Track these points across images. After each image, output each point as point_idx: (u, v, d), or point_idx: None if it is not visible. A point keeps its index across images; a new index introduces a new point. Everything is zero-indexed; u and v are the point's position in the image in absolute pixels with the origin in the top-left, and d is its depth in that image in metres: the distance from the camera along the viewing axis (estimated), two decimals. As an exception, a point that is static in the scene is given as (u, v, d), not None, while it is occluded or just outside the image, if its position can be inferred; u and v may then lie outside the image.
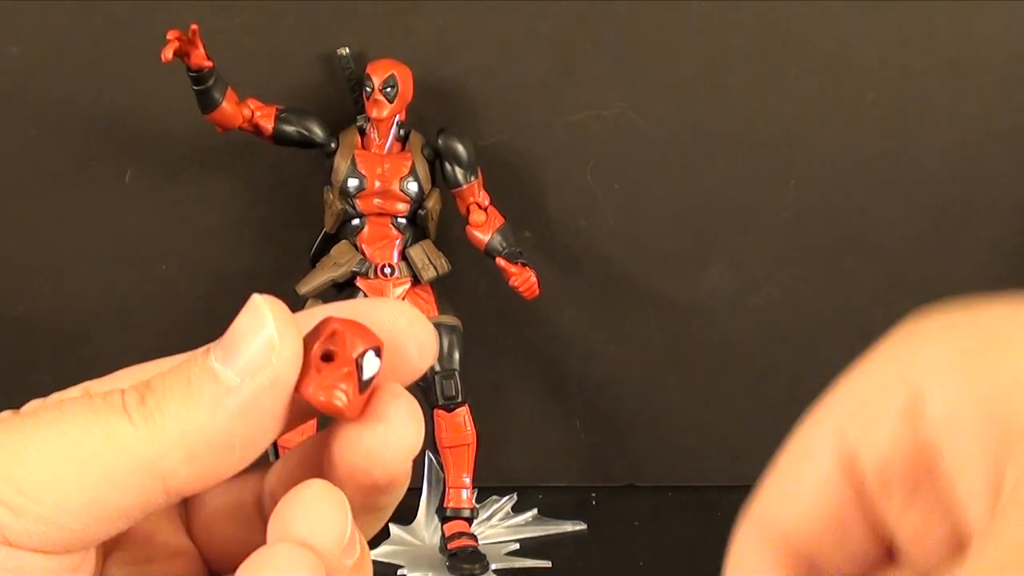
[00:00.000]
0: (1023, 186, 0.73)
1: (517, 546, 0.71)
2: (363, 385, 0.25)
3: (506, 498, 0.75)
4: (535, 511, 0.74)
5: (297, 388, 0.24)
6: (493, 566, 0.68)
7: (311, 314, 0.25)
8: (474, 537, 0.68)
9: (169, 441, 0.23)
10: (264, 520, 0.26)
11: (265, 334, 0.24)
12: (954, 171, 0.72)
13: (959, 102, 0.71)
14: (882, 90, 0.71)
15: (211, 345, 0.24)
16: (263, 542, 0.24)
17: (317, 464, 0.26)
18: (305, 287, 0.65)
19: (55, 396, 0.27)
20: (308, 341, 0.24)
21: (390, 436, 0.25)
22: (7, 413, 0.27)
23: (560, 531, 0.73)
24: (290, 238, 0.70)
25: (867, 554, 0.25)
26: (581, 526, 0.73)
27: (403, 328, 0.26)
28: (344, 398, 0.24)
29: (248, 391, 0.24)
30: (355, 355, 0.24)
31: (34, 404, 0.27)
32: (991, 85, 0.71)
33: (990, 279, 0.74)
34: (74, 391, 0.28)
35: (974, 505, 0.22)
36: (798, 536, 0.25)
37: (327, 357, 0.25)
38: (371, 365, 0.25)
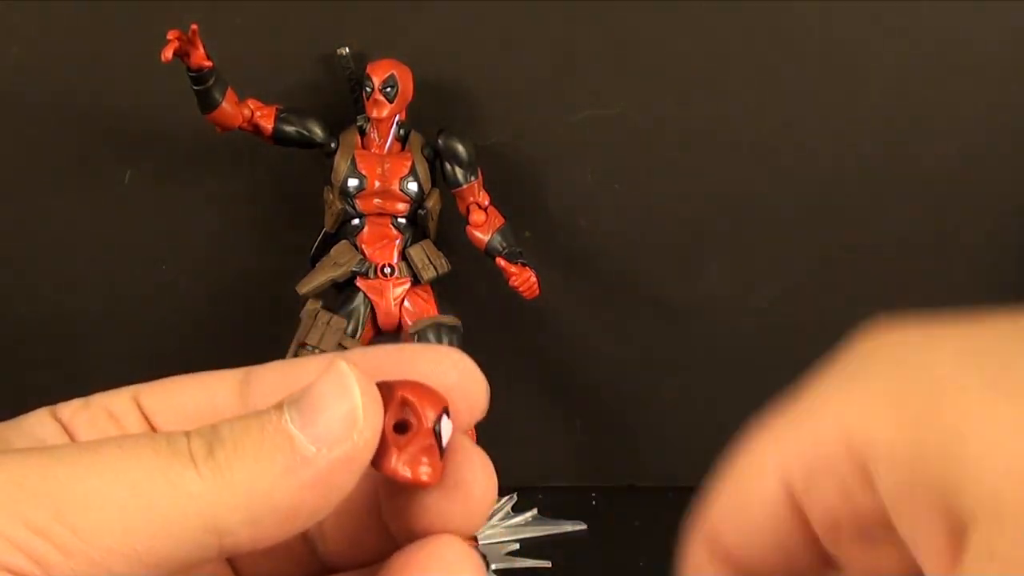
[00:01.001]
0: (1023, 186, 0.73)
1: (517, 546, 0.71)
2: (442, 452, 0.24)
3: (506, 498, 0.75)
4: (535, 511, 0.74)
5: (374, 462, 0.23)
6: (493, 566, 0.68)
7: (366, 364, 0.24)
8: (474, 537, 0.69)
9: (234, 500, 0.22)
10: (305, 554, 0.26)
11: (349, 407, 0.23)
12: (954, 171, 0.72)
13: (960, 102, 0.71)
14: (882, 90, 0.71)
15: (285, 401, 0.23)
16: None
17: (367, 508, 0.25)
18: (305, 287, 0.65)
19: (100, 401, 0.26)
20: None
21: (471, 503, 0.24)
22: (56, 430, 0.26)
23: (560, 531, 0.73)
24: (290, 238, 0.70)
25: (812, 569, 0.24)
26: (581, 526, 0.73)
27: (453, 382, 0.25)
28: (429, 471, 0.24)
29: (324, 464, 0.23)
30: (431, 424, 0.24)
31: (75, 405, 0.26)
32: (992, 85, 0.71)
33: (990, 279, 0.74)
34: (101, 400, 0.27)
35: (930, 564, 0.22)
36: (743, 554, 0.25)
37: (400, 427, 0.24)
38: (446, 430, 0.24)
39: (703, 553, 0.26)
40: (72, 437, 0.26)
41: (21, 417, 0.26)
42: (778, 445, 0.24)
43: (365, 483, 0.24)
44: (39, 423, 0.26)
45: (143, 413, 0.26)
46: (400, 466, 0.23)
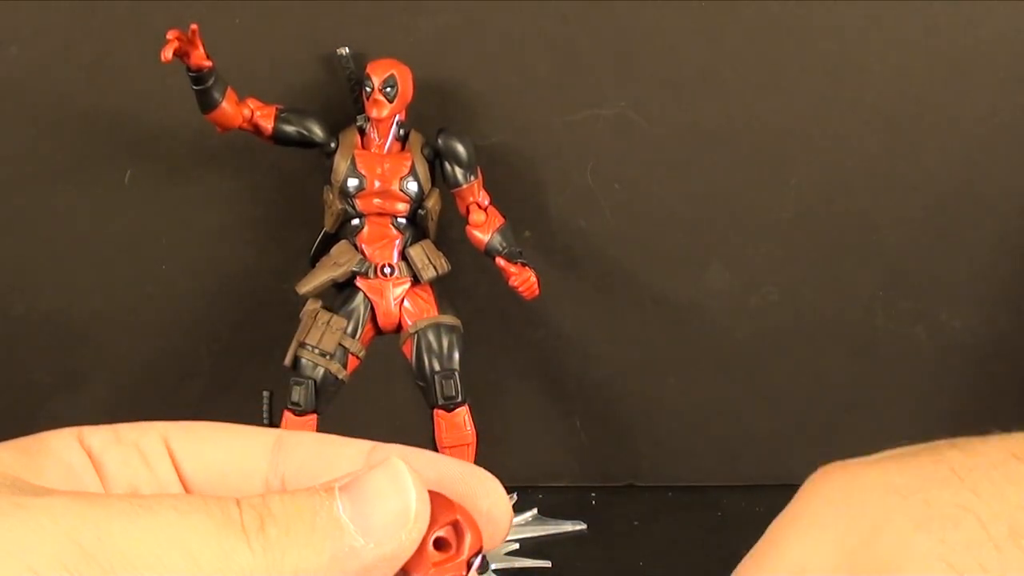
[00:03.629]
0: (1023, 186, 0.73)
1: (517, 546, 0.71)
2: None
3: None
4: (535, 511, 0.74)
5: (405, 565, 0.24)
6: (493, 566, 0.68)
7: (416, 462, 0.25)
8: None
9: None
10: None
11: (403, 505, 0.24)
12: (955, 171, 0.72)
13: (960, 102, 0.71)
14: (883, 90, 0.71)
15: (338, 487, 0.24)
16: None
17: None
18: (305, 287, 0.65)
19: (130, 435, 0.26)
20: None
21: None
22: (84, 460, 0.26)
23: (560, 531, 0.73)
24: (290, 238, 0.70)
25: None
26: (581, 526, 0.73)
27: (482, 510, 0.26)
28: None
29: (372, 557, 0.23)
30: (468, 555, 0.25)
31: (105, 436, 0.26)
32: (992, 85, 0.71)
33: (990, 279, 0.74)
34: (131, 435, 0.27)
35: None
36: None
37: (440, 543, 0.25)
38: (476, 569, 0.25)
39: None
40: (99, 470, 0.26)
41: (45, 435, 0.26)
42: None
43: None
44: (66, 447, 0.26)
45: (172, 459, 0.27)
46: None
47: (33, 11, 0.64)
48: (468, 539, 0.25)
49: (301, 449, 0.27)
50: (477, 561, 0.25)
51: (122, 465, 0.26)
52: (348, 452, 0.27)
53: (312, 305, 0.65)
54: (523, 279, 0.68)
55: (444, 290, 0.68)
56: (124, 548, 0.21)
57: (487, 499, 0.26)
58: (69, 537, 0.21)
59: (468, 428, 0.66)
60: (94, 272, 0.71)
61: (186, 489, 0.27)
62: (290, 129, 0.65)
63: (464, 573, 0.25)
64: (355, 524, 0.23)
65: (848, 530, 0.27)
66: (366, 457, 0.27)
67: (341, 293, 0.66)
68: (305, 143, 0.65)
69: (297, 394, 0.64)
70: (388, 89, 0.64)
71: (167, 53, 0.57)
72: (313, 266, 0.67)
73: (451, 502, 0.25)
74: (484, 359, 0.71)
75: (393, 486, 0.24)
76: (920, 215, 0.73)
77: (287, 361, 0.65)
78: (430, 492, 0.24)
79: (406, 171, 0.65)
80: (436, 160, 0.66)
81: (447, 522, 0.25)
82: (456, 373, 0.66)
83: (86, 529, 0.21)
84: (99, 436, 0.26)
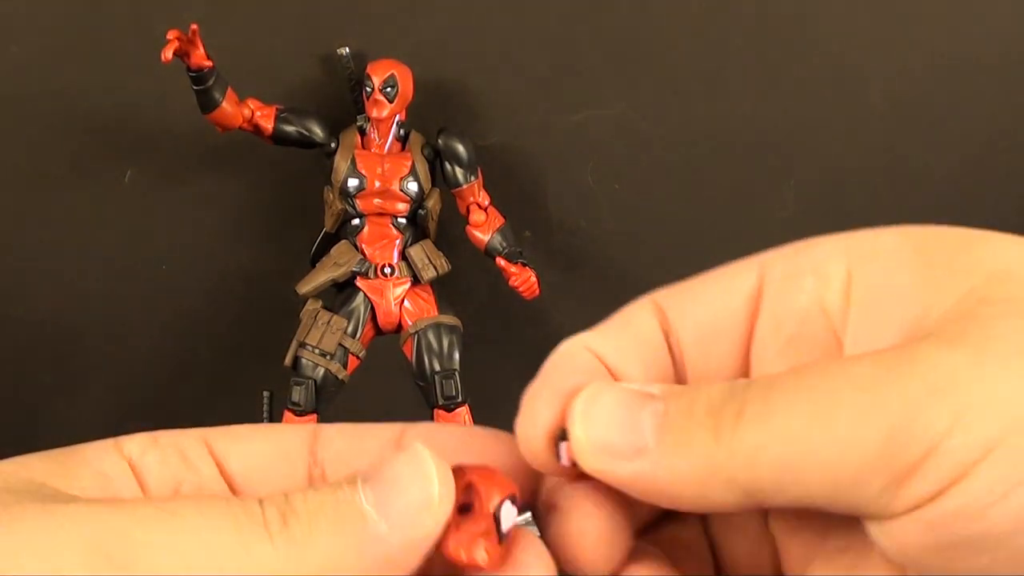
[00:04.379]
0: (1023, 187, 0.73)
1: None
2: (502, 537, 0.24)
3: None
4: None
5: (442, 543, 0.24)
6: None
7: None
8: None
9: (305, 572, 0.22)
10: None
11: (426, 491, 0.23)
12: (954, 171, 0.72)
13: (960, 102, 0.71)
14: (883, 91, 0.71)
15: (360, 477, 0.24)
16: None
17: None
18: (305, 287, 0.65)
19: (169, 439, 0.26)
20: None
21: None
22: (122, 468, 0.26)
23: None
24: (290, 238, 0.70)
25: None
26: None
27: (512, 465, 0.26)
28: (485, 556, 0.24)
29: (397, 544, 0.23)
30: (493, 509, 0.24)
31: (143, 441, 0.26)
32: (992, 86, 0.71)
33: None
34: (170, 439, 0.27)
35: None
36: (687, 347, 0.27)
37: (464, 509, 0.24)
38: (508, 516, 0.25)
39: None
40: (139, 477, 0.26)
41: (81, 446, 0.26)
42: (775, 251, 0.27)
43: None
44: (102, 456, 0.26)
45: (214, 457, 0.27)
46: (459, 548, 0.24)
47: (33, 11, 0.64)
48: (487, 494, 0.24)
49: (337, 439, 0.27)
50: (507, 512, 0.25)
51: (162, 467, 0.26)
52: (382, 437, 0.27)
53: (312, 305, 0.65)
54: (523, 279, 0.68)
55: (444, 290, 0.68)
56: (147, 550, 0.21)
57: (512, 456, 0.26)
58: (93, 541, 0.21)
59: (468, 428, 0.66)
60: (94, 272, 0.71)
61: (231, 488, 0.27)
62: (290, 129, 0.65)
63: (492, 525, 0.24)
64: (379, 513, 0.23)
65: (946, 266, 0.24)
66: (397, 441, 0.27)
67: (341, 293, 0.66)
68: (305, 143, 0.65)
69: (297, 394, 0.64)
70: (388, 89, 0.64)
71: (167, 53, 0.57)
72: (313, 266, 0.67)
73: (466, 467, 0.25)
74: (484, 359, 0.71)
75: (415, 473, 0.24)
76: (919, 215, 0.73)
77: (287, 361, 0.65)
78: (456, 469, 0.24)
79: (406, 171, 0.65)
80: (436, 160, 0.66)
81: (462, 487, 0.24)
82: (456, 373, 0.66)
83: (110, 533, 0.21)
84: (137, 442, 0.26)
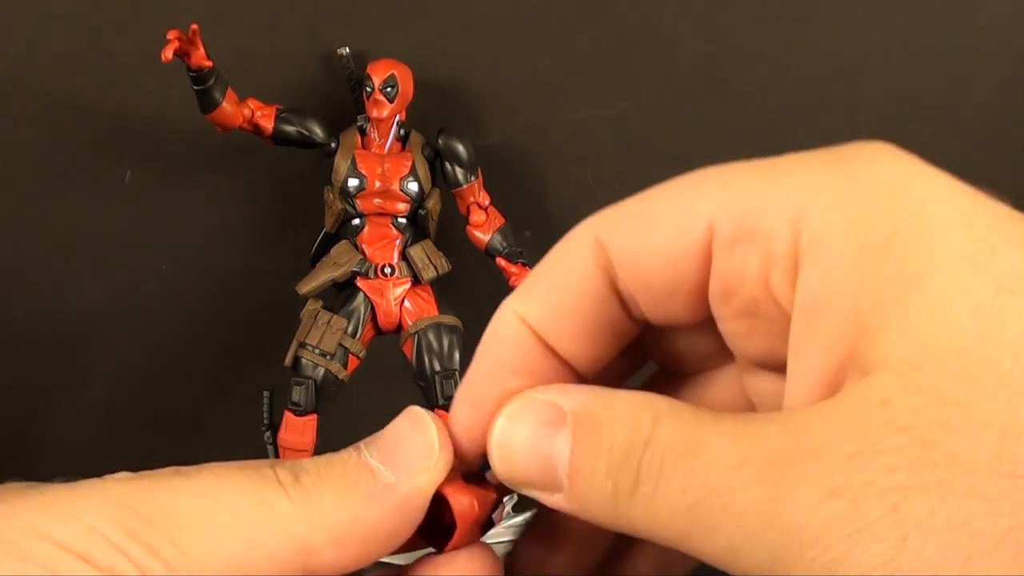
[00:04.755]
0: (1023, 187, 0.73)
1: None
2: (487, 523, 0.28)
3: (506, 498, 0.75)
4: (536, 510, 0.74)
5: (443, 489, 0.26)
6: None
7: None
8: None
9: (322, 521, 0.24)
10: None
11: (427, 439, 0.26)
12: (954, 171, 0.72)
13: (960, 102, 0.71)
14: (884, 91, 0.71)
15: (362, 444, 0.26)
16: None
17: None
18: (305, 287, 0.65)
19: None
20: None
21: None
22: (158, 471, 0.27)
23: (560, 531, 0.73)
24: (290, 238, 0.70)
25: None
26: (581, 526, 0.73)
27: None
28: (478, 509, 0.27)
29: (406, 490, 0.25)
30: (492, 507, 0.28)
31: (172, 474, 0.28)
32: (992, 86, 0.71)
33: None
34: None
35: (804, 377, 0.23)
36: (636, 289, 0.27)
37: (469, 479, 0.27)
38: (498, 513, 0.28)
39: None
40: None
41: None
42: (724, 192, 0.25)
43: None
44: None
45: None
46: (459, 496, 0.27)
47: (33, 11, 0.64)
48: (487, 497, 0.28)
49: None
50: (499, 510, 0.28)
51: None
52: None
53: (312, 305, 0.65)
54: (523, 279, 0.67)
55: (444, 290, 0.68)
56: (171, 508, 0.23)
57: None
58: (122, 501, 0.23)
59: (468, 428, 0.66)
60: (94, 272, 0.71)
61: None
62: (290, 129, 0.65)
63: (494, 498, 0.28)
64: (385, 465, 0.25)
65: (880, 203, 0.24)
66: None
67: (341, 293, 0.66)
68: (305, 143, 0.65)
69: (297, 394, 0.64)
70: (388, 89, 0.64)
71: (167, 53, 0.57)
72: (313, 266, 0.67)
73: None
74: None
75: (415, 426, 0.26)
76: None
77: (287, 361, 0.65)
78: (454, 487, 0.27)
79: (406, 171, 0.65)
80: (436, 160, 0.66)
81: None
82: (456, 373, 0.66)
83: (136, 494, 0.23)
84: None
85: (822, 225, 0.23)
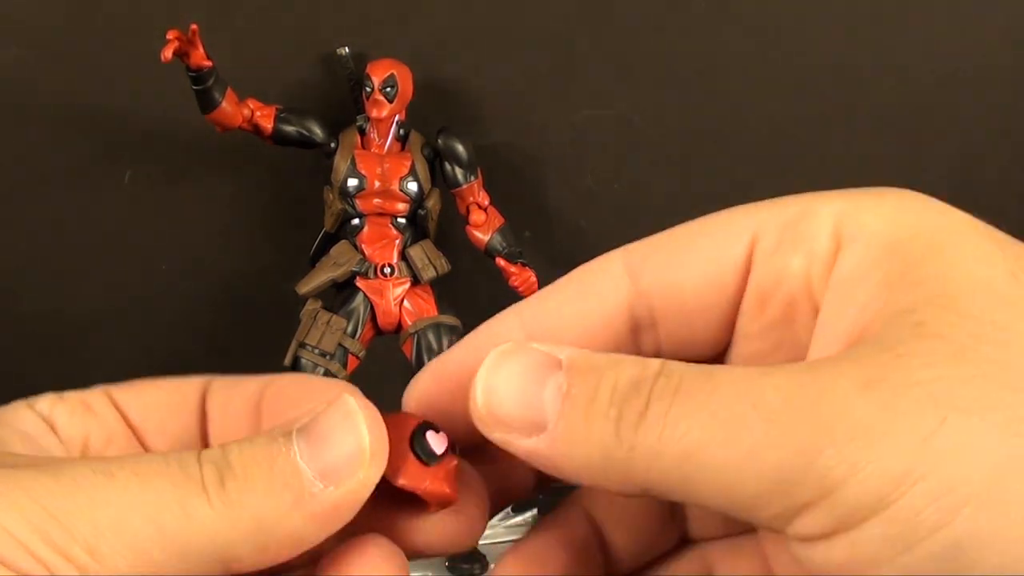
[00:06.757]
0: (1023, 187, 0.73)
1: (517, 546, 0.71)
2: (428, 461, 0.26)
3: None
4: (535, 511, 0.74)
5: (393, 478, 0.25)
6: (493, 566, 0.68)
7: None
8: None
9: (244, 530, 0.23)
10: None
11: (356, 443, 0.24)
12: (954, 171, 0.72)
13: (960, 103, 0.71)
14: (884, 91, 0.71)
15: (295, 429, 0.24)
16: None
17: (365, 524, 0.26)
18: (305, 287, 0.65)
19: (73, 394, 0.28)
20: (393, 435, 0.25)
21: (462, 526, 0.27)
22: (38, 424, 0.27)
23: (560, 531, 0.73)
24: (290, 238, 0.70)
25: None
26: (581, 526, 0.73)
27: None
28: (448, 491, 0.26)
29: (331, 499, 0.24)
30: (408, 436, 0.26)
31: (51, 399, 0.28)
32: (992, 87, 0.71)
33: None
34: (75, 394, 0.28)
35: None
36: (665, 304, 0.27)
37: (419, 446, 0.26)
38: (434, 442, 0.26)
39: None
40: (53, 428, 0.27)
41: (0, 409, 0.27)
42: (770, 206, 0.26)
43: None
44: (20, 417, 0.27)
45: (117, 407, 0.28)
46: (429, 484, 0.25)
47: (33, 11, 0.64)
48: (445, 437, 0.26)
49: (221, 390, 0.28)
50: (432, 438, 0.26)
51: (69, 417, 0.27)
52: (252, 388, 0.28)
53: (312, 305, 0.65)
54: (523, 279, 0.68)
55: (444, 290, 0.68)
56: (89, 514, 0.22)
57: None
58: (38, 503, 0.22)
59: (468, 428, 0.66)
60: (94, 272, 0.71)
61: (135, 433, 0.28)
62: (290, 129, 0.65)
63: (456, 464, 0.26)
64: (312, 467, 0.23)
65: (923, 232, 0.25)
66: (263, 391, 0.28)
67: (341, 293, 0.66)
68: (305, 143, 0.65)
69: (297, 394, 0.64)
70: (388, 89, 0.64)
71: (167, 53, 0.57)
72: (313, 266, 0.67)
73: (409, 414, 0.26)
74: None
75: (345, 425, 0.24)
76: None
77: (287, 361, 0.65)
78: (393, 415, 0.25)
79: (406, 171, 0.65)
80: (436, 160, 0.66)
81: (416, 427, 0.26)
82: (456, 373, 0.65)
83: (53, 497, 0.22)
84: (45, 400, 0.28)
85: (860, 224, 0.25)
